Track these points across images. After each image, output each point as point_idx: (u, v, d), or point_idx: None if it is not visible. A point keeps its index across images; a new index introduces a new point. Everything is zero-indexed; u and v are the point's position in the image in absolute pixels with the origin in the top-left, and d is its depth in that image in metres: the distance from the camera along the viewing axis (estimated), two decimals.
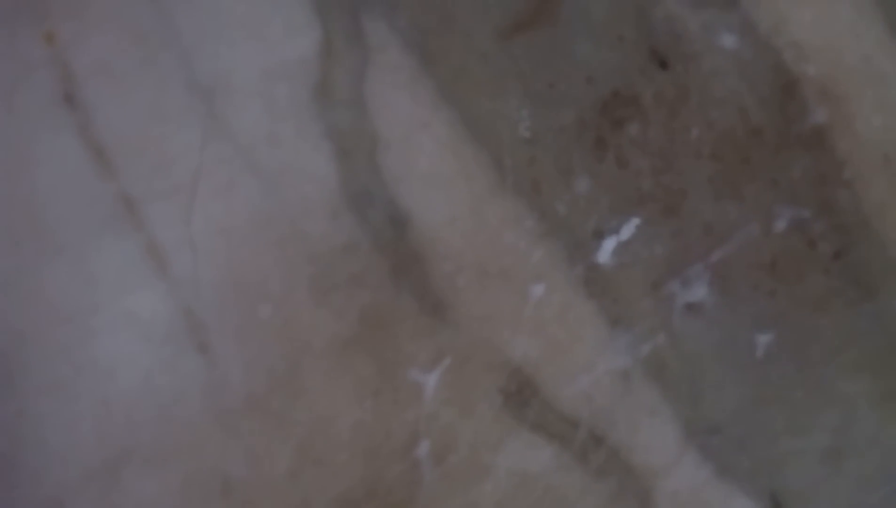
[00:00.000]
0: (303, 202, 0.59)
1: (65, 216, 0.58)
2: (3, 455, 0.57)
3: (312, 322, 0.58)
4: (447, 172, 0.60)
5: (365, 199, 0.59)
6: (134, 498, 0.57)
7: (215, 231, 0.58)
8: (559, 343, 0.60)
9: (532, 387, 0.59)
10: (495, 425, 0.59)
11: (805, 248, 0.60)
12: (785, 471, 0.60)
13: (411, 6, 0.60)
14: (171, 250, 0.58)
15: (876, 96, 0.61)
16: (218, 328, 0.58)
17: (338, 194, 0.59)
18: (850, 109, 0.61)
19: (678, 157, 0.60)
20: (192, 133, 0.59)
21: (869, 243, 0.61)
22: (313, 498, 0.58)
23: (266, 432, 0.58)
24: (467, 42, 0.60)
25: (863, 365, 0.60)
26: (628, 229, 0.60)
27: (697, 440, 0.60)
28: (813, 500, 0.60)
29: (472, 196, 0.60)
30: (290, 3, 0.60)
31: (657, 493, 0.60)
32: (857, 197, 0.61)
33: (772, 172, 0.61)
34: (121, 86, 0.59)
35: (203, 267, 0.58)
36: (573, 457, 0.59)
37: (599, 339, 0.60)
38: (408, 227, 0.59)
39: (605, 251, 0.60)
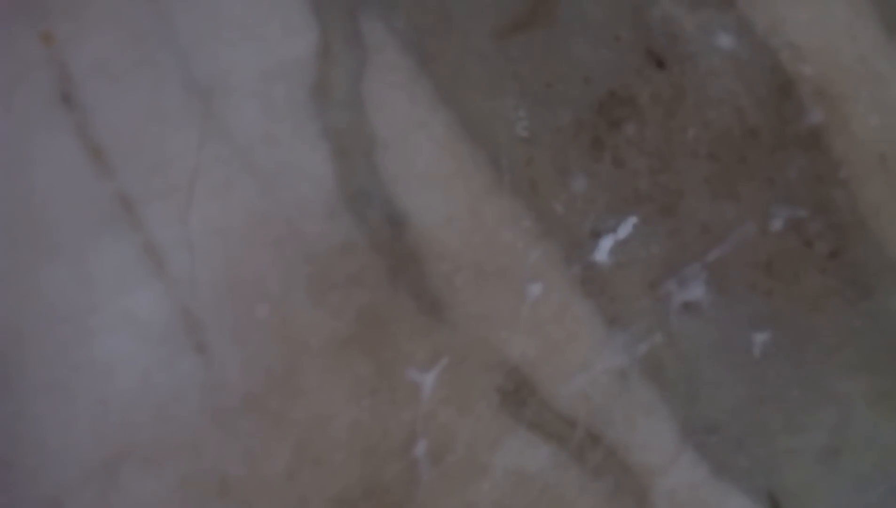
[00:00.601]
0: (300, 202, 0.59)
1: (62, 216, 0.58)
2: (1, 455, 0.57)
3: (310, 322, 0.58)
4: (444, 171, 0.60)
5: (362, 199, 0.59)
6: (132, 498, 0.57)
7: (213, 231, 0.58)
8: (556, 342, 0.60)
9: (529, 386, 0.59)
10: (493, 424, 0.59)
11: (801, 247, 0.61)
12: (782, 470, 0.60)
13: (409, 7, 0.61)
14: (168, 249, 0.58)
15: (872, 96, 0.61)
16: (215, 328, 0.58)
17: (335, 194, 0.59)
18: (846, 109, 0.61)
19: (675, 157, 0.61)
20: (190, 133, 0.59)
21: (865, 243, 0.61)
22: (311, 498, 0.58)
23: (264, 431, 0.58)
24: (465, 42, 0.61)
25: (859, 364, 0.60)
26: (625, 229, 0.60)
27: (694, 438, 0.60)
28: (810, 499, 0.60)
29: (470, 196, 0.60)
30: (288, 4, 0.60)
31: (654, 492, 0.60)
32: (853, 197, 0.61)
33: (768, 171, 0.61)
34: (118, 86, 0.59)
35: (200, 267, 0.58)
36: (570, 456, 0.59)
37: (596, 338, 0.60)
38: (405, 226, 0.59)
39: (603, 251, 0.60)
